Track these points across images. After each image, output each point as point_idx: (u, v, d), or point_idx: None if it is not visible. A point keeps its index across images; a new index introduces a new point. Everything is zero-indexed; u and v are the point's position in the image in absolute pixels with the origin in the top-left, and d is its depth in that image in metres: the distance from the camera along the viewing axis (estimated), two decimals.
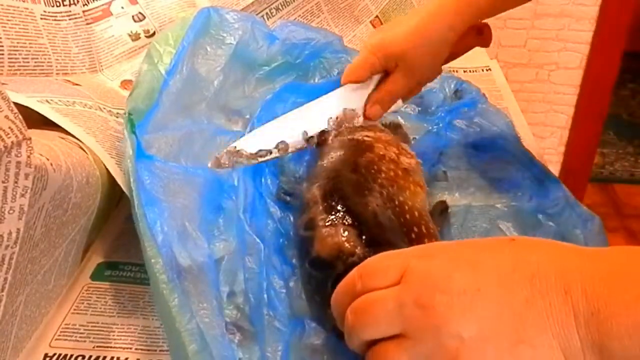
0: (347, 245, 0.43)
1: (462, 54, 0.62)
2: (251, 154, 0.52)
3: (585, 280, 0.30)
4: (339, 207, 0.46)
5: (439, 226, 0.51)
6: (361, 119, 0.59)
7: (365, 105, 0.59)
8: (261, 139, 0.54)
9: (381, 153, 0.53)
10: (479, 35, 0.60)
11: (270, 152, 0.53)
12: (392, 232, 0.45)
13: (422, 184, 0.53)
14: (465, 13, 0.56)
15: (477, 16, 0.57)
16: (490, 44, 0.61)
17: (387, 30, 0.59)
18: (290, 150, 0.54)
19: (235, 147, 0.52)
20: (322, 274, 0.42)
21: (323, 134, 0.56)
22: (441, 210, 0.56)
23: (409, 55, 0.56)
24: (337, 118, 0.57)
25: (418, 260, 0.34)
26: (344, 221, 0.44)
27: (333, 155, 0.53)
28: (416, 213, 0.48)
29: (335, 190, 0.47)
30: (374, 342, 0.34)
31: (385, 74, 0.58)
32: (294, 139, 0.55)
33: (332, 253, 0.43)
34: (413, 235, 0.46)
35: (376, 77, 0.58)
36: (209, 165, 0.51)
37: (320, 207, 0.46)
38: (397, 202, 0.47)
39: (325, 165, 0.52)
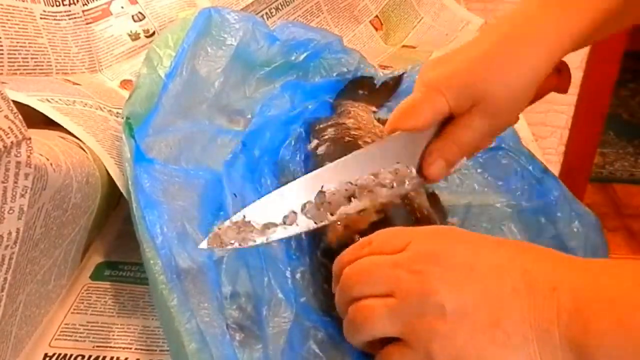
0: (357, 237, 0.44)
1: (539, 97, 0.46)
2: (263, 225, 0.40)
3: (574, 281, 0.31)
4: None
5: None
6: (415, 180, 0.45)
7: (422, 160, 0.44)
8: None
9: None
10: (557, 73, 0.45)
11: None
12: (401, 225, 0.46)
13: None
14: (566, 34, 0.41)
15: (577, 42, 0.42)
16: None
17: (455, 57, 0.43)
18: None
19: (244, 216, 0.40)
20: (332, 262, 0.43)
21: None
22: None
23: (492, 89, 0.41)
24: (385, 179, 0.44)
25: (424, 236, 0.36)
26: (356, 214, 0.45)
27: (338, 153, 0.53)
28: (425, 212, 0.48)
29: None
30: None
31: (450, 117, 0.43)
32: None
33: (342, 242, 0.44)
34: None
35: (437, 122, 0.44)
36: (201, 245, 0.39)
37: None
38: (406, 200, 0.48)
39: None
